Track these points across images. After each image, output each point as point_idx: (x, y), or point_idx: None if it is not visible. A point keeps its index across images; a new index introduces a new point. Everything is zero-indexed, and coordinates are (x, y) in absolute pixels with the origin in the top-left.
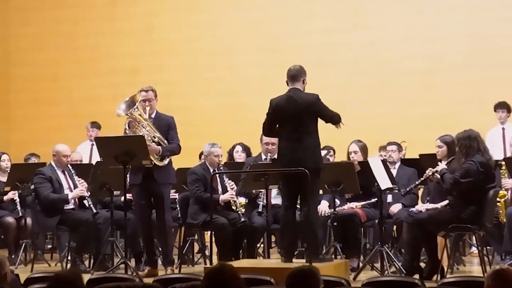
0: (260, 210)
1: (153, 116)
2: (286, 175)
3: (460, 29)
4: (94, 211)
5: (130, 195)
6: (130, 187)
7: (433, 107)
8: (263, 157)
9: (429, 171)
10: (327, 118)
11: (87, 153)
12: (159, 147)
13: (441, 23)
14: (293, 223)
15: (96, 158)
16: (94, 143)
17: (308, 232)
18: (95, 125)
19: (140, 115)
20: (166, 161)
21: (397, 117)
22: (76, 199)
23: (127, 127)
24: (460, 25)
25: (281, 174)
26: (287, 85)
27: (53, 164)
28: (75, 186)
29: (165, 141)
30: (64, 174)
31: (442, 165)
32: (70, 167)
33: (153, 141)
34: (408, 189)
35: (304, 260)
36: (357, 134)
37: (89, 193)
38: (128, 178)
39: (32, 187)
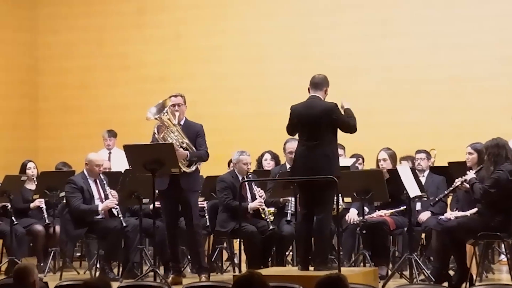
0: (288, 218)
1: (182, 123)
2: (301, 183)
3: (488, 36)
4: (124, 224)
5: (158, 202)
6: (158, 193)
7: (462, 115)
8: (288, 166)
9: (458, 181)
10: (344, 126)
11: None
12: (187, 152)
13: (470, 31)
14: (309, 231)
15: (113, 166)
16: (111, 151)
17: (318, 240)
18: (112, 133)
19: (169, 119)
20: (193, 168)
21: (426, 125)
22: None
23: (156, 131)
24: (489, 33)
25: (297, 182)
26: (309, 92)
27: (85, 172)
28: (106, 196)
29: (193, 148)
30: (96, 183)
31: (471, 174)
32: (102, 177)
33: (181, 147)
34: (437, 199)
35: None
36: (386, 142)
37: (117, 204)
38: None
39: (61, 194)
